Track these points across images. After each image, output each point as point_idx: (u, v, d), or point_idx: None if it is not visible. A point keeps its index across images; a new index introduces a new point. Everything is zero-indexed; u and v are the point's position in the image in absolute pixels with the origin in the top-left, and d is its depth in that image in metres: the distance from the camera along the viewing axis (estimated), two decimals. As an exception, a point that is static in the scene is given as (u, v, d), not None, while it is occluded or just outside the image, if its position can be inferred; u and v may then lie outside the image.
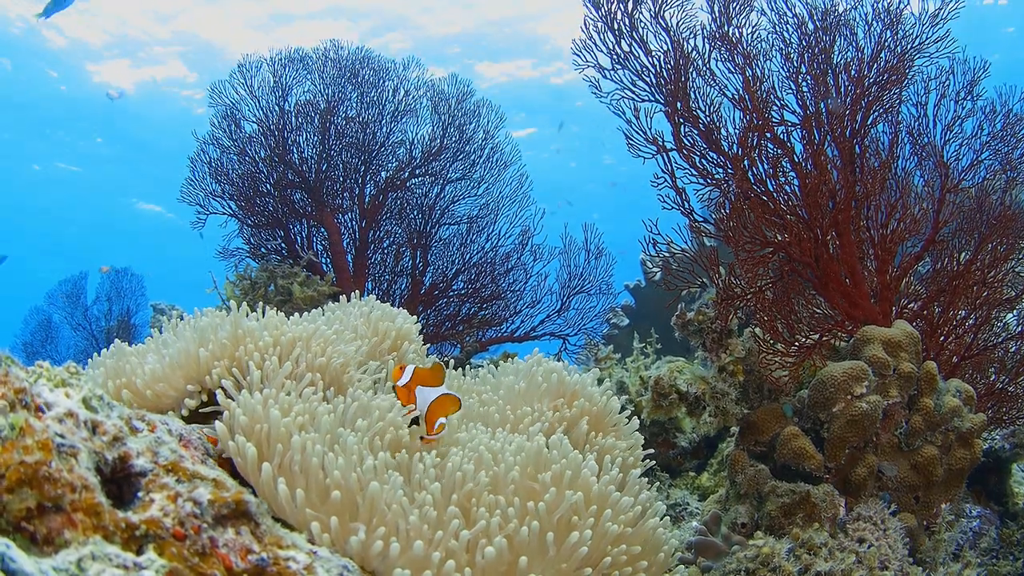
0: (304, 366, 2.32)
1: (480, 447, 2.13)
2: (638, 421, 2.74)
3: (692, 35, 3.80)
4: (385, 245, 6.26)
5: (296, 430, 1.96)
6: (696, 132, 3.83)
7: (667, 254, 3.98)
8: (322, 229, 6.09)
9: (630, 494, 2.17)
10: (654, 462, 2.65)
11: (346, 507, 1.85)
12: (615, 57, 3.84)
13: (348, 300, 3.02)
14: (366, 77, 6.08)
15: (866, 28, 3.78)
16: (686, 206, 3.88)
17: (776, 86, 3.81)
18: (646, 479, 2.39)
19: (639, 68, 3.84)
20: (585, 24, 3.83)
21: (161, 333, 2.56)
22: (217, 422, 2.00)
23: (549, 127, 22.38)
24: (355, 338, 2.64)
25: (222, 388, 2.22)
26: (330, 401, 2.27)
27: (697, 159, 3.85)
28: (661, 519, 2.29)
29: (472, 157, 6.34)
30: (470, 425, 2.47)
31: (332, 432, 2.05)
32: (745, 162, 3.76)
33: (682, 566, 2.38)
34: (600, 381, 2.77)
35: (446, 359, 2.97)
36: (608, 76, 3.88)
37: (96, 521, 1.24)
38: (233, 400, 2.12)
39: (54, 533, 1.17)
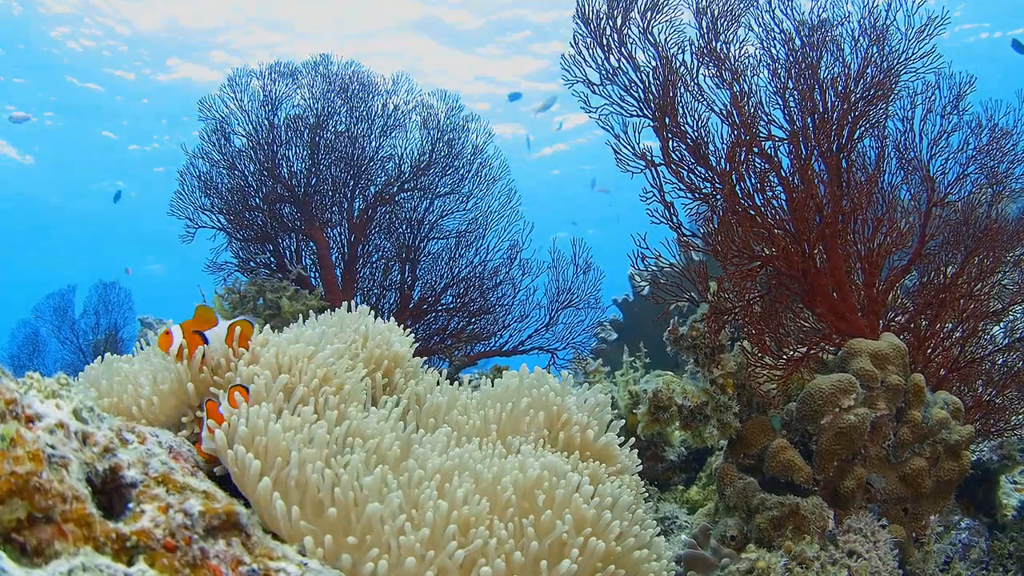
0: (303, 385, 2.31)
1: (479, 467, 2.12)
2: (633, 441, 2.73)
3: (680, 50, 3.82)
4: (374, 259, 6.26)
5: (295, 445, 1.96)
6: (684, 147, 3.85)
7: (656, 268, 3.99)
8: (311, 243, 6.08)
9: (620, 518, 2.16)
10: (646, 492, 2.63)
11: (340, 523, 1.85)
12: (604, 72, 3.86)
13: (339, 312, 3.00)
14: (356, 91, 6.10)
15: (853, 44, 3.82)
16: (674, 220, 3.90)
17: (763, 101, 3.84)
18: (635, 503, 2.38)
19: (628, 83, 3.86)
20: (574, 39, 3.85)
21: (149, 344, 2.55)
22: (217, 430, 1.99)
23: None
24: (352, 364, 2.62)
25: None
26: (323, 418, 2.26)
27: (685, 174, 3.87)
28: (652, 531, 2.29)
29: (461, 171, 6.35)
30: (460, 440, 2.46)
31: (329, 449, 2.05)
32: (733, 176, 3.78)
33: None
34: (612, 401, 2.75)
35: (438, 372, 2.95)
36: (597, 91, 3.90)
37: (87, 532, 1.23)
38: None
39: (45, 544, 1.16)
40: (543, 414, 2.52)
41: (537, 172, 25.66)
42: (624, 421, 2.78)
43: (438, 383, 2.79)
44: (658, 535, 2.34)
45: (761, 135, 3.81)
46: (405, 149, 6.25)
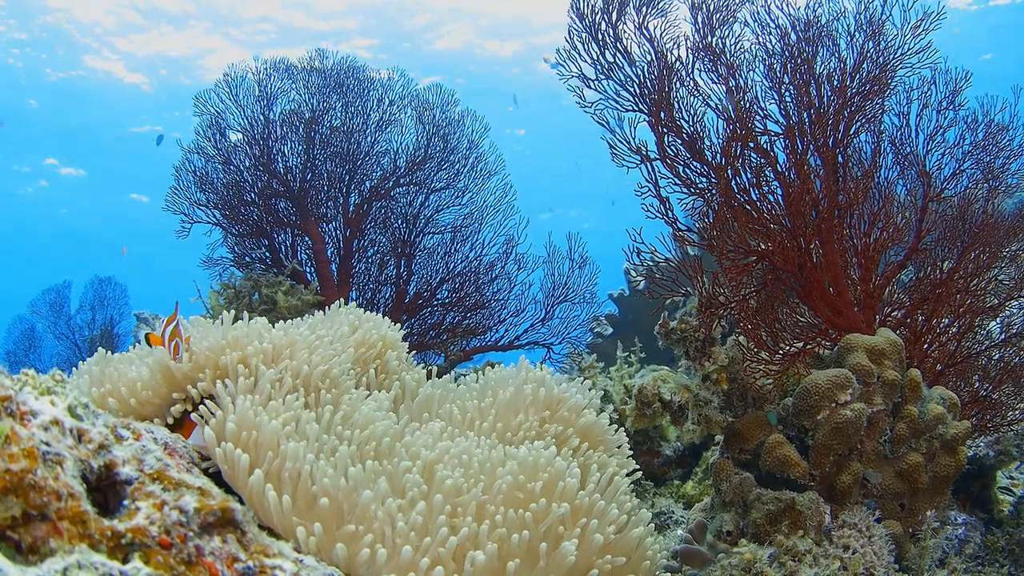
0: (289, 375, 2.31)
1: (471, 458, 2.12)
2: (624, 434, 2.75)
3: (676, 46, 3.81)
4: (369, 254, 6.26)
5: (285, 438, 1.95)
6: (680, 142, 3.85)
7: (651, 263, 3.98)
8: (306, 238, 6.07)
9: (614, 503, 2.17)
10: (640, 473, 2.64)
11: (333, 514, 1.84)
12: (599, 67, 3.85)
13: (331, 309, 3.02)
14: (351, 87, 6.09)
15: (848, 39, 3.81)
16: (670, 215, 3.89)
17: (759, 96, 3.83)
18: (630, 491, 2.39)
19: (623, 78, 3.85)
20: (569, 34, 3.84)
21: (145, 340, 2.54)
22: (207, 428, 1.99)
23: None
24: (340, 348, 2.63)
25: (210, 395, 2.21)
26: (313, 409, 2.26)
27: (681, 168, 3.87)
28: (647, 526, 2.29)
29: (456, 166, 6.35)
30: (454, 432, 2.46)
31: (319, 440, 2.04)
32: (728, 171, 3.78)
33: (668, 574, 2.38)
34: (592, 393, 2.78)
35: (429, 368, 2.96)
36: (592, 86, 3.89)
37: (82, 529, 1.23)
38: (219, 407, 2.10)
39: (39, 542, 1.16)
40: (543, 390, 2.55)
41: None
42: (618, 413, 2.80)
43: (430, 375, 2.82)
44: (650, 524, 2.36)
45: (757, 130, 3.81)
46: (400, 144, 6.25)
